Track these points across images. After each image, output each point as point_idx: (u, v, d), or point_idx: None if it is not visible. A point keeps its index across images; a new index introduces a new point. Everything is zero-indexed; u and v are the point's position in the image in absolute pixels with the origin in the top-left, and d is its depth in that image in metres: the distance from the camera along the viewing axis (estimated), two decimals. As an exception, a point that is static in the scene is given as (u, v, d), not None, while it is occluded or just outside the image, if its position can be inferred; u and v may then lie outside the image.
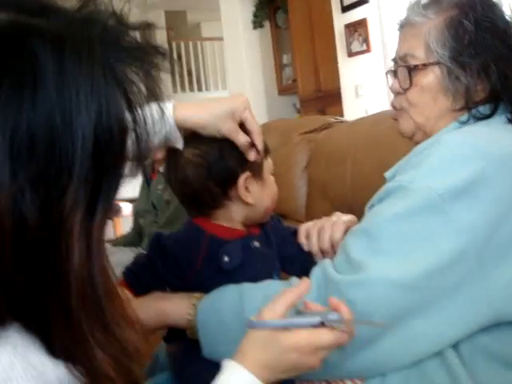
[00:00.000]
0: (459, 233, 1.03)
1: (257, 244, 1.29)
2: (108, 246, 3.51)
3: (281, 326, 0.91)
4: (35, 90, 0.58)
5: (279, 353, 0.91)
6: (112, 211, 0.67)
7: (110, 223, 0.67)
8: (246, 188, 1.26)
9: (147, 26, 0.71)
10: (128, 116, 0.66)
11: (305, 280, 1.01)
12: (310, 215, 2.34)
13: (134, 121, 0.67)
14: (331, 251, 1.30)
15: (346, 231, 1.31)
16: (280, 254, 1.34)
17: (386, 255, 1.05)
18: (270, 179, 1.33)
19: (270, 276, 1.26)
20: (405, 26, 1.32)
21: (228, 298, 1.16)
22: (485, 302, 1.05)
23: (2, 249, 0.58)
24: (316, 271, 1.14)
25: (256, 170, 1.28)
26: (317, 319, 0.91)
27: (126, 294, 1.26)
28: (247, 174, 1.26)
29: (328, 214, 2.22)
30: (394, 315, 1.03)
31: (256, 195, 1.28)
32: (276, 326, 0.91)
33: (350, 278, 1.05)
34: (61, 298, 0.62)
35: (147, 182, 3.12)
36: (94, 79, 0.61)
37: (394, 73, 1.34)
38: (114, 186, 0.66)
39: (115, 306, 0.68)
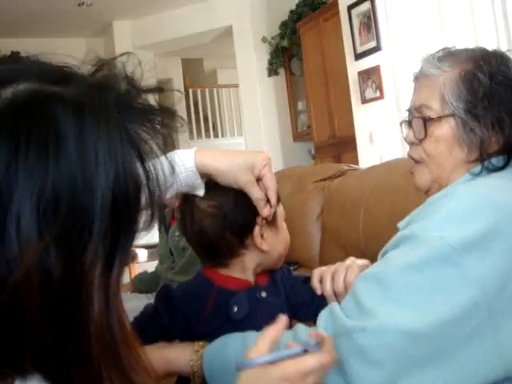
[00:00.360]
0: (471, 285, 1.03)
1: (264, 294, 1.30)
2: (124, 293, 3.51)
3: (268, 361, 0.94)
4: (58, 154, 0.61)
5: None
6: (127, 262, 0.69)
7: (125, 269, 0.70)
8: (262, 236, 1.28)
9: (159, 90, 0.75)
10: (142, 173, 0.69)
11: (281, 317, 1.03)
12: (324, 263, 2.31)
13: (147, 177, 0.69)
14: (344, 294, 1.28)
15: None
16: (291, 302, 1.35)
17: (398, 304, 1.05)
18: (283, 226, 1.35)
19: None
20: (420, 77, 1.34)
21: (232, 345, 1.16)
22: (497, 355, 1.04)
23: (29, 303, 0.60)
24: (324, 314, 1.14)
25: (270, 218, 1.30)
26: (299, 348, 0.96)
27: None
28: (262, 222, 1.28)
29: (341, 261, 2.24)
30: (403, 365, 1.02)
31: (271, 242, 1.30)
32: (264, 361, 0.94)
33: (360, 324, 1.04)
34: (82, 347, 0.64)
35: (166, 229, 3.15)
36: (111, 141, 0.65)
37: (409, 123, 1.35)
38: (130, 240, 0.68)
39: (131, 352, 0.70)
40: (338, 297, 1.31)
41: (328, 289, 1.32)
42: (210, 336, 1.23)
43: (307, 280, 1.38)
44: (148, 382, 0.73)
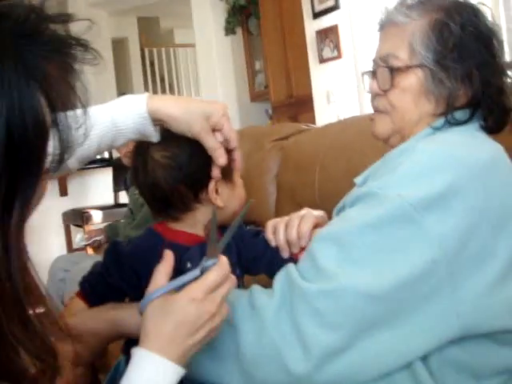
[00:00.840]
0: (431, 244, 1.02)
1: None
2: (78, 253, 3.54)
3: (168, 290, 0.96)
4: None
5: (178, 313, 0.94)
6: (30, 208, 0.65)
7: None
8: (217, 191, 1.24)
9: (67, 17, 0.68)
10: (48, 113, 0.63)
11: (167, 252, 1.04)
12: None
13: (55, 120, 0.64)
14: (298, 243, 1.27)
15: (316, 226, 1.29)
16: (243, 257, 1.32)
17: (356, 265, 1.03)
18: (238, 182, 1.32)
19: None
20: (387, 25, 1.29)
21: None
22: (454, 314, 1.03)
23: None
24: (280, 277, 1.11)
25: (226, 173, 1.26)
26: (197, 270, 0.98)
27: (76, 304, 1.23)
28: (218, 176, 1.24)
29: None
30: (362, 326, 1.01)
31: (225, 198, 1.27)
32: (164, 291, 0.96)
33: (317, 287, 1.03)
34: None
35: (126, 188, 3.19)
36: (5, 72, 0.59)
37: (373, 73, 1.31)
38: (32, 185, 0.64)
39: (36, 303, 0.67)
40: (291, 247, 1.29)
41: (281, 238, 1.29)
42: None
43: (258, 233, 1.36)
44: (58, 336, 0.70)
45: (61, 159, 0.67)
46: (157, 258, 1.20)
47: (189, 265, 1.20)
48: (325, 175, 2.05)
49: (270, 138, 2.48)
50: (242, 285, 1.31)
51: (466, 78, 1.21)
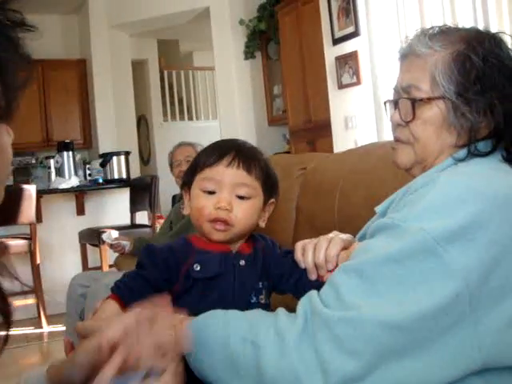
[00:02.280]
0: (453, 276, 1.01)
1: (242, 262, 1.33)
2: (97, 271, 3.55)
3: None
4: None
5: None
6: None
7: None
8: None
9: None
10: None
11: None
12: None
13: None
14: (325, 267, 1.29)
15: (343, 249, 1.30)
16: (270, 272, 1.37)
17: (379, 297, 1.03)
18: (194, 194, 1.36)
19: (246, 294, 1.32)
20: (408, 55, 1.29)
21: (213, 328, 1.13)
22: (476, 347, 1.02)
23: None
24: (304, 302, 1.11)
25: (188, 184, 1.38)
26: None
27: (109, 305, 1.24)
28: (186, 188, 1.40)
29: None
30: (381, 355, 1.00)
31: (187, 208, 1.39)
32: None
33: (339, 314, 1.03)
34: None
35: (174, 203, 3.34)
36: None
37: (395, 103, 1.31)
38: None
39: None
40: (318, 269, 1.30)
41: (309, 260, 1.30)
42: (188, 292, 1.28)
43: (288, 253, 1.39)
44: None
45: (7, 105, 0.69)
46: (186, 260, 1.29)
47: (197, 267, 1.28)
48: (344, 201, 2.05)
49: (299, 167, 2.49)
50: (264, 298, 1.35)
51: (488, 111, 1.20)
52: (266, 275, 1.36)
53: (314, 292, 1.12)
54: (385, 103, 1.39)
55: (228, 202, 1.30)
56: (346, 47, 5.26)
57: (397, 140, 1.33)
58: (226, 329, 1.11)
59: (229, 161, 1.32)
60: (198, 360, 1.12)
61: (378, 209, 1.31)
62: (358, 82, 5.13)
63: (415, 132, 1.26)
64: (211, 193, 1.32)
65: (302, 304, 1.11)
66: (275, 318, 1.11)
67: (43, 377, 1.05)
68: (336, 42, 5.37)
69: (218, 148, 1.36)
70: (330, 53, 5.46)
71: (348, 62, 5.23)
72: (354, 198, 1.99)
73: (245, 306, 1.26)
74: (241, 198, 1.32)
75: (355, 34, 5.14)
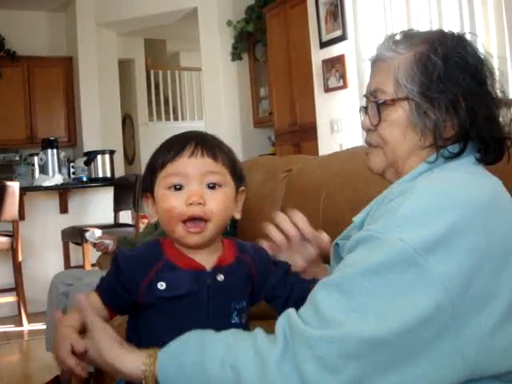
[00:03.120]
0: (434, 286, 1.01)
1: (220, 278, 1.22)
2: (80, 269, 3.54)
3: None
4: None
5: None
6: None
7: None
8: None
9: None
10: None
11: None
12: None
13: None
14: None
15: None
16: (261, 287, 1.30)
17: (359, 312, 1.02)
18: (159, 195, 1.24)
19: (225, 314, 1.22)
20: (376, 61, 1.31)
21: (190, 351, 1.09)
22: (460, 357, 1.02)
23: None
24: (281, 322, 1.09)
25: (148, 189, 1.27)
26: None
27: (93, 298, 1.23)
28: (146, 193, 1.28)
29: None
30: (364, 371, 1.00)
31: (153, 214, 1.27)
32: None
33: (320, 333, 1.01)
34: None
35: None
36: None
37: (365, 109, 1.32)
38: None
39: None
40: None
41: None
42: (152, 309, 1.20)
43: (287, 272, 1.35)
44: None
45: None
46: (150, 269, 1.20)
47: (162, 286, 1.18)
48: (330, 204, 2.06)
49: (284, 169, 2.49)
50: (245, 317, 1.27)
51: (450, 108, 1.20)
52: (253, 290, 1.29)
53: (291, 310, 1.10)
54: (360, 110, 1.39)
55: (200, 195, 1.19)
56: (333, 51, 5.27)
57: (368, 145, 1.33)
58: (202, 353, 1.08)
59: (191, 151, 1.20)
60: None
61: (356, 218, 1.31)
62: (345, 86, 5.15)
63: (383, 135, 1.27)
64: (178, 189, 1.20)
65: (280, 323, 1.08)
66: (254, 339, 1.08)
67: None
68: (323, 45, 5.38)
69: (175, 141, 1.25)
70: (317, 56, 5.47)
71: (335, 65, 5.24)
72: (339, 200, 2.00)
73: (224, 327, 1.16)
74: (212, 188, 1.20)
75: (342, 37, 5.16)
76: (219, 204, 1.20)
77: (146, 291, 1.19)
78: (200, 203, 1.18)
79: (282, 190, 2.41)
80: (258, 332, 1.10)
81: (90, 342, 1.15)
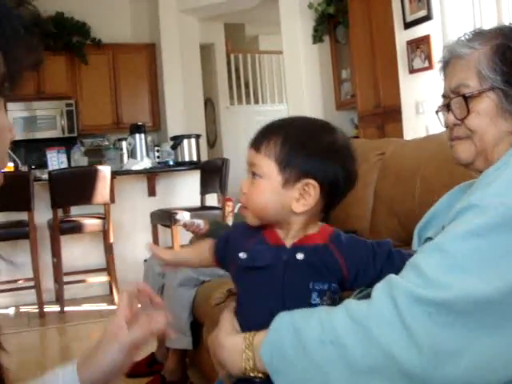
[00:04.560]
0: None
1: (300, 256, 1.22)
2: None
3: None
4: None
5: None
6: None
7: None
8: None
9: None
10: None
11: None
12: (375, 231, 2.35)
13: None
14: None
15: None
16: (359, 279, 1.25)
17: (464, 272, 1.05)
18: None
19: (302, 293, 1.21)
20: (451, 60, 1.36)
21: (285, 340, 1.12)
22: None
23: None
24: (382, 286, 1.11)
25: None
26: None
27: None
28: None
29: (394, 229, 2.24)
30: (473, 330, 1.03)
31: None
32: None
33: (427, 293, 1.04)
34: None
35: None
36: None
37: (447, 107, 1.37)
38: None
39: None
40: None
41: None
42: (240, 277, 1.29)
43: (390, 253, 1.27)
44: None
45: (11, 78, 0.74)
46: (244, 242, 1.28)
47: (242, 255, 1.25)
48: (426, 187, 2.07)
49: (376, 152, 2.51)
50: (328, 300, 1.24)
51: None
52: (336, 276, 1.23)
53: (391, 275, 1.12)
54: (437, 113, 1.44)
55: (245, 185, 1.26)
56: (418, 31, 5.20)
57: (454, 139, 1.37)
58: (298, 337, 1.11)
59: (251, 140, 1.28)
60: (282, 378, 1.12)
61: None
62: (430, 67, 5.07)
63: (471, 125, 1.31)
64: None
65: (381, 288, 1.10)
66: (346, 309, 1.11)
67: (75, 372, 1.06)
68: (407, 25, 5.31)
69: None
70: (401, 37, 5.41)
71: (420, 46, 5.18)
72: (436, 183, 2.01)
73: (303, 306, 1.18)
74: (254, 177, 1.25)
75: (427, 17, 5.08)
76: (253, 194, 1.25)
77: (238, 261, 1.27)
78: (242, 192, 1.27)
79: (375, 173, 2.42)
80: (348, 301, 1.14)
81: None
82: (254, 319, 1.23)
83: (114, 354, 1.03)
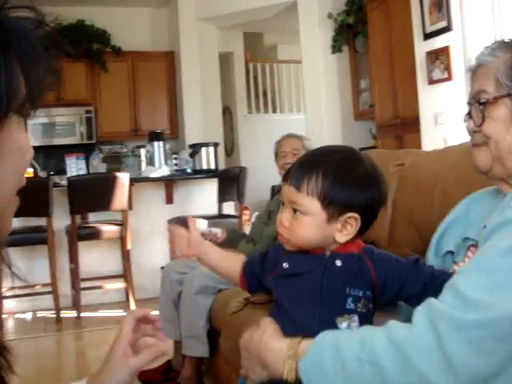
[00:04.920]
0: None
1: (339, 263, 1.32)
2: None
3: None
4: None
5: None
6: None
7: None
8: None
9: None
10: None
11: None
12: (394, 242, 2.34)
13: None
14: None
15: None
16: (376, 280, 1.32)
17: (505, 290, 1.04)
18: None
19: (339, 297, 1.30)
20: (477, 69, 1.37)
21: (326, 355, 1.14)
22: None
23: None
24: (422, 309, 1.11)
25: None
26: None
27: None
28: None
29: (412, 241, 2.24)
30: None
31: None
32: None
33: (470, 317, 1.03)
34: None
35: (273, 191, 3.36)
36: None
37: (469, 114, 1.38)
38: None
39: None
40: None
41: None
42: (279, 286, 1.39)
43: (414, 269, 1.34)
44: None
45: (31, 99, 0.75)
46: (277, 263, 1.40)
47: (285, 265, 1.36)
48: (445, 198, 2.06)
49: (395, 163, 2.51)
50: (363, 307, 1.32)
51: None
52: (369, 284, 1.32)
53: (430, 298, 1.12)
54: (464, 121, 1.44)
55: (286, 219, 1.34)
56: (438, 42, 5.19)
57: (474, 146, 1.38)
58: (338, 354, 1.12)
59: (286, 176, 1.36)
60: None
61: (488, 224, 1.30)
62: (449, 78, 5.06)
63: (486, 132, 1.32)
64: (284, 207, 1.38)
65: (421, 312, 1.10)
66: (387, 331, 1.11)
67: None
68: (427, 36, 5.31)
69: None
70: (421, 47, 5.40)
71: (439, 57, 5.17)
72: (456, 195, 1.98)
73: (338, 310, 1.29)
74: (296, 213, 1.33)
75: (447, 28, 5.07)
76: (297, 229, 1.33)
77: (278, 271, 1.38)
78: (283, 225, 1.35)
79: (394, 184, 2.42)
80: (391, 323, 1.14)
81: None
82: (293, 322, 1.31)
83: (124, 378, 1.08)
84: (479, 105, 1.32)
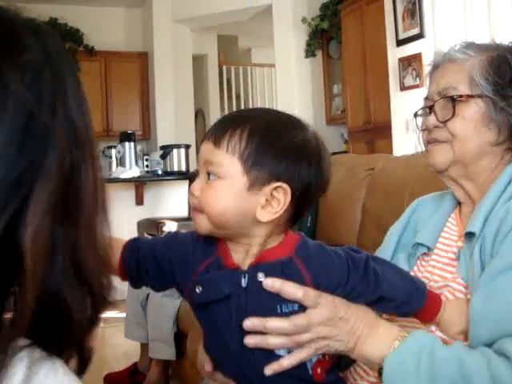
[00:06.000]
0: None
1: (261, 276, 1.04)
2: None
3: None
4: None
5: None
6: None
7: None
8: None
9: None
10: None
11: None
12: (363, 246, 2.34)
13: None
14: None
15: None
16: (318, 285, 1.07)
17: None
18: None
19: (271, 315, 1.04)
20: (442, 63, 1.35)
21: (410, 369, 1.06)
22: None
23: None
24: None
25: None
26: None
27: None
28: None
29: (380, 244, 2.24)
30: None
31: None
32: None
33: None
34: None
35: None
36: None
37: (429, 109, 1.34)
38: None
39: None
40: None
41: None
42: (198, 309, 1.12)
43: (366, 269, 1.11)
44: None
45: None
46: (199, 265, 1.08)
47: (198, 289, 1.06)
48: (414, 203, 2.07)
49: (365, 167, 2.51)
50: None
51: None
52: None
53: (492, 357, 1.04)
54: (415, 116, 1.41)
55: (197, 187, 1.06)
56: (410, 49, 5.23)
57: (432, 142, 1.34)
58: (419, 370, 1.04)
59: (207, 134, 1.07)
60: None
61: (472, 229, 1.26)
62: (422, 85, 5.09)
63: (454, 129, 1.29)
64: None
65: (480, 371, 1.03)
66: (487, 362, 1.03)
67: None
68: (400, 43, 5.34)
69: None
70: (394, 54, 5.44)
71: (412, 63, 5.20)
72: (425, 200, 2.00)
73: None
74: (211, 177, 1.05)
75: (420, 35, 5.11)
76: (210, 197, 1.04)
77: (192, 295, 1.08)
78: (193, 195, 1.06)
79: (364, 189, 2.42)
80: (491, 355, 1.05)
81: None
82: (221, 354, 1.11)
83: None
84: (449, 100, 1.29)
